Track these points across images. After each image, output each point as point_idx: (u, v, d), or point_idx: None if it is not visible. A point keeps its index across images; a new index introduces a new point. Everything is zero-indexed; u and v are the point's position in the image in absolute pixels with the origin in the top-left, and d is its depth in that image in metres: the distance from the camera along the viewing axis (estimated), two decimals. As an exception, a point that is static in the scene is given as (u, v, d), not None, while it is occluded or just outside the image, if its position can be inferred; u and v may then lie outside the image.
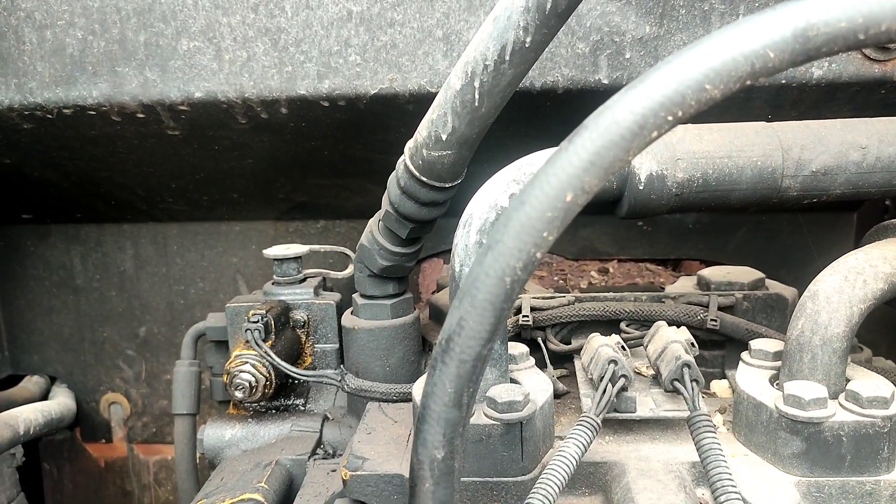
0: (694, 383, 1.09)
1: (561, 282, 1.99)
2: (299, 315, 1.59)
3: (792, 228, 1.95)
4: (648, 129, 0.70)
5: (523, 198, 0.73)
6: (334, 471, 1.34)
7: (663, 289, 1.61)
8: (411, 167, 1.22)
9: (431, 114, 1.16)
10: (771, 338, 1.28)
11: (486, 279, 0.74)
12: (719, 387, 1.35)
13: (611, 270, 2.02)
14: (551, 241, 0.73)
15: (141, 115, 1.51)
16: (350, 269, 1.69)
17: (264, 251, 1.64)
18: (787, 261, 1.95)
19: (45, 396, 2.22)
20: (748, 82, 0.69)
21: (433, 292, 2.03)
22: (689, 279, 1.61)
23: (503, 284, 0.74)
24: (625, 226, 1.97)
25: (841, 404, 1.03)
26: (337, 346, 1.60)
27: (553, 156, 0.72)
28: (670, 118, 0.70)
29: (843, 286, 1.08)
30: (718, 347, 1.40)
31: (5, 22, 1.45)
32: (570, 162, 0.71)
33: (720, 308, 1.37)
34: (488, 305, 0.75)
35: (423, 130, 1.18)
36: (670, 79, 0.69)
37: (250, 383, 1.41)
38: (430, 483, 0.83)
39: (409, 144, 1.22)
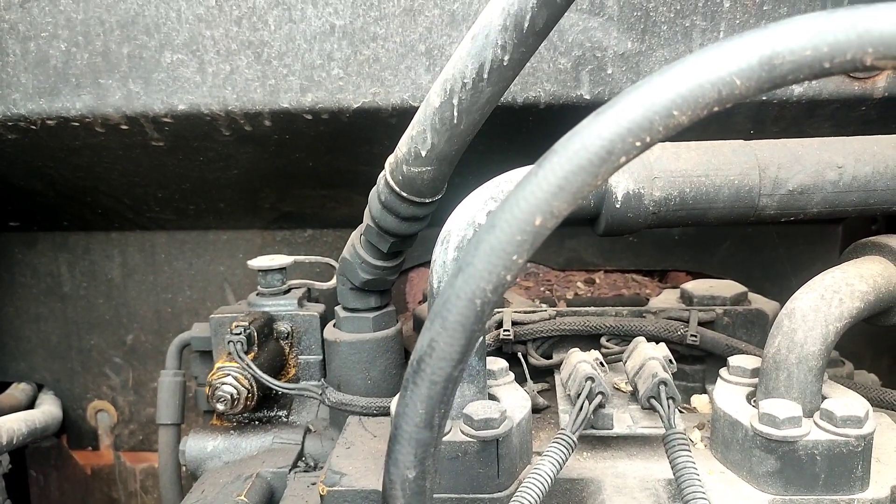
0: (670, 401, 1.09)
1: (547, 292, 2.00)
2: (283, 326, 1.59)
3: (777, 241, 1.95)
4: (617, 154, 0.70)
5: (494, 221, 0.73)
6: (315, 484, 1.34)
7: (648, 300, 1.61)
8: (391, 182, 1.22)
9: (411, 130, 1.16)
10: (750, 354, 1.28)
11: (456, 301, 0.75)
12: (700, 402, 1.35)
13: (597, 281, 2.02)
14: (521, 263, 0.73)
15: (125, 127, 1.51)
16: (335, 281, 1.69)
17: (249, 262, 1.64)
18: (771, 273, 1.96)
19: (31, 404, 2.22)
20: (715, 108, 0.70)
21: (419, 302, 2.04)
22: (672, 292, 1.61)
23: (474, 307, 0.74)
24: (611, 237, 1.97)
25: (816, 423, 1.03)
26: (321, 357, 1.60)
27: (523, 180, 0.73)
28: (638, 143, 0.70)
29: (820, 304, 1.08)
30: (699, 362, 1.41)
31: (-12, 33, 1.45)
32: (539, 186, 0.72)
33: (701, 323, 1.38)
34: (459, 327, 0.75)
35: (402, 146, 1.18)
36: (638, 105, 0.70)
37: (232, 396, 1.42)
38: (401, 502, 0.84)
39: (390, 160, 1.23)
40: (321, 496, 1.11)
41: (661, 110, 0.69)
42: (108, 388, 2.28)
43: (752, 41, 0.68)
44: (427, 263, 2.04)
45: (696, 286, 1.52)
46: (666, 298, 1.57)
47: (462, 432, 1.06)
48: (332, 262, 1.69)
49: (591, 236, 1.98)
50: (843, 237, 1.94)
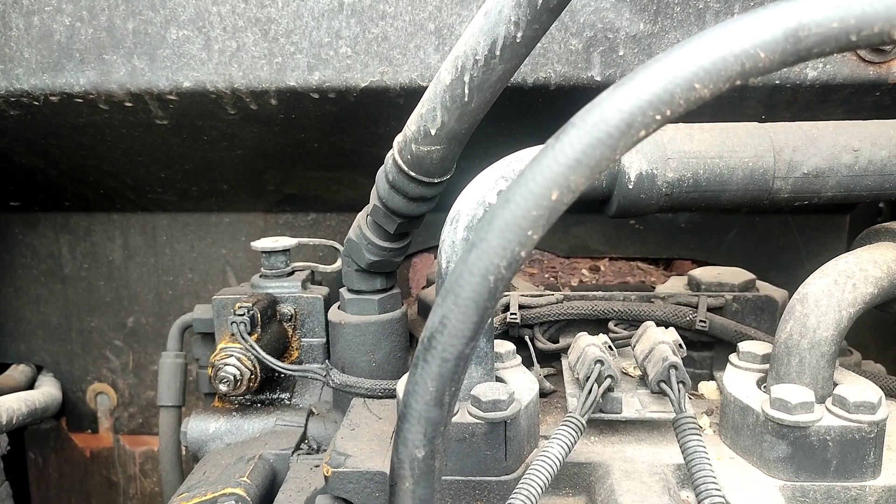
0: (680, 385, 1.08)
1: (552, 279, 1.98)
2: (286, 308, 1.58)
3: (784, 230, 1.94)
4: (636, 127, 0.69)
5: (508, 196, 0.72)
6: (318, 466, 1.33)
7: (654, 288, 1.60)
8: (400, 162, 1.20)
9: (421, 108, 1.15)
10: (759, 340, 1.27)
11: (469, 277, 0.73)
12: (707, 388, 1.34)
13: (602, 268, 2.01)
14: (536, 239, 0.72)
15: (129, 104, 1.49)
16: (339, 263, 1.67)
17: (252, 243, 1.62)
18: (778, 262, 1.94)
19: (31, 385, 2.20)
20: (738, 82, 0.68)
21: (423, 287, 2.02)
22: (679, 279, 1.59)
23: (487, 283, 0.73)
24: (616, 224, 1.96)
25: (828, 409, 1.02)
26: (324, 340, 1.59)
27: (539, 153, 0.71)
28: (658, 117, 0.68)
29: (833, 290, 1.07)
30: (707, 348, 1.39)
31: (-8, 7, 1.43)
32: (556, 160, 0.70)
33: (710, 309, 1.36)
34: (472, 304, 0.74)
35: (412, 125, 1.17)
36: (659, 77, 0.68)
37: (235, 377, 1.40)
38: (409, 482, 0.82)
39: (398, 139, 1.21)
40: (326, 477, 1.10)
41: (683, 83, 0.68)
42: (108, 370, 2.26)
43: (778, 13, 0.66)
44: (431, 249, 2.03)
45: (704, 273, 1.50)
46: (673, 285, 1.55)
47: (470, 414, 1.05)
48: (337, 245, 1.68)
49: (597, 223, 1.97)
50: (851, 227, 1.93)
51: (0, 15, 1.43)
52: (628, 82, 0.69)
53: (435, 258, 2.09)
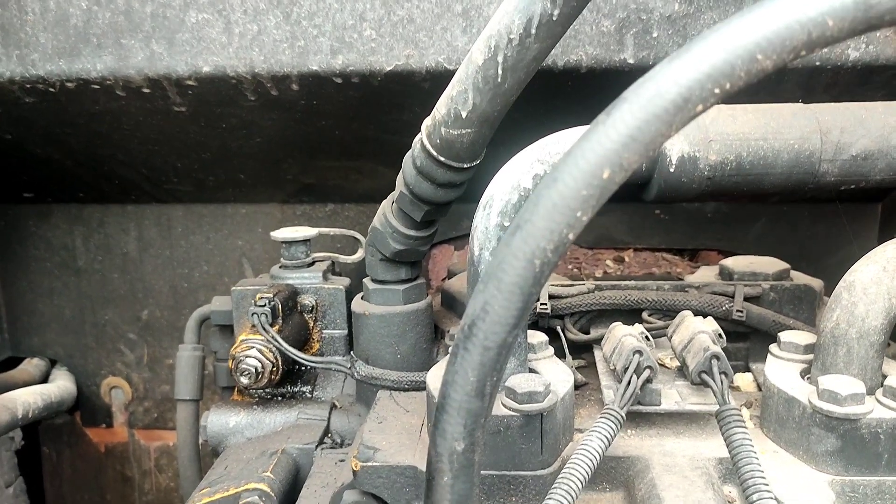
0: (723, 376, 1.04)
1: (575, 270, 1.94)
2: (307, 300, 1.54)
3: (813, 219, 1.89)
4: (694, 102, 0.65)
5: (556, 175, 0.68)
6: (342, 461, 1.29)
7: (681, 279, 1.56)
8: (428, 146, 1.16)
9: (451, 90, 1.11)
10: (800, 330, 1.23)
11: (513, 261, 0.70)
12: (743, 380, 1.30)
13: (626, 259, 1.97)
14: (585, 220, 0.68)
15: (146, 90, 1.46)
16: (360, 254, 1.64)
17: (272, 233, 1.59)
18: (807, 252, 1.90)
19: (45, 379, 2.18)
20: (803, 52, 0.64)
21: (443, 279, 1.99)
22: (710, 269, 1.55)
23: (532, 267, 0.69)
24: (642, 214, 1.92)
25: (878, 400, 0.98)
26: (345, 332, 1.55)
27: (589, 130, 0.67)
28: (718, 91, 0.65)
29: (882, 277, 1.02)
30: (742, 339, 1.36)
31: (7, -10, 1.40)
32: (608, 136, 0.67)
33: (746, 298, 1.32)
34: (515, 289, 0.70)
35: (441, 107, 1.13)
36: (719, 48, 0.64)
37: (256, 369, 1.37)
38: (448, 476, 0.79)
39: (427, 122, 1.17)
40: (354, 472, 1.06)
41: (745, 54, 0.64)
42: (122, 364, 2.24)
43: (848, -22, 0.62)
44: (451, 240, 2.00)
45: (737, 262, 1.46)
46: (704, 275, 1.51)
47: (504, 406, 1.01)
48: (357, 235, 1.64)
49: (622, 213, 1.93)
50: (883, 216, 1.88)
51: (16, -1, 1.40)
52: (685, 54, 0.65)
53: (455, 249, 2.05)
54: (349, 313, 1.54)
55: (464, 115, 1.10)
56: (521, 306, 0.71)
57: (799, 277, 1.44)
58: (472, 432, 0.77)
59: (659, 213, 1.93)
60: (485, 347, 0.73)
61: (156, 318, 2.18)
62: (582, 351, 1.38)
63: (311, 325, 1.55)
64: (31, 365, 2.18)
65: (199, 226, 2.08)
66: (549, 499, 0.89)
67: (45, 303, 2.20)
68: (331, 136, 1.61)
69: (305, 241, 1.59)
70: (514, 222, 0.69)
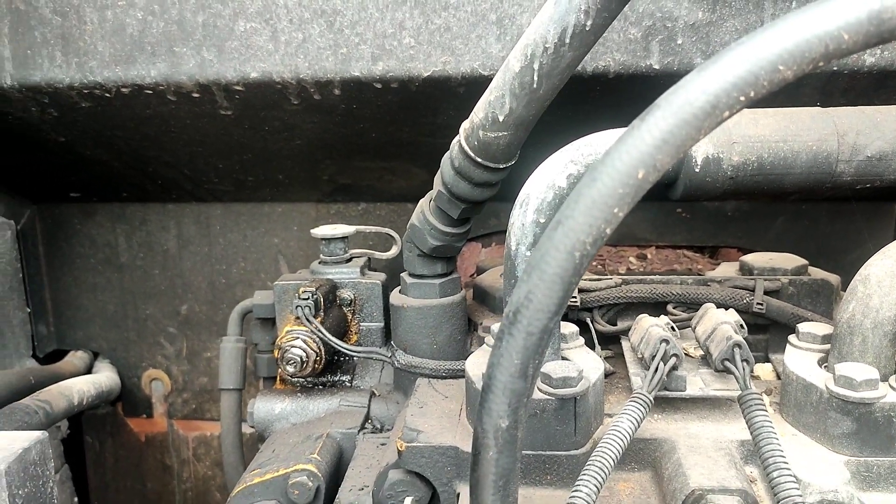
0: (744, 363, 1.11)
1: (599, 267, 2.01)
2: (346, 293, 1.62)
3: (831, 217, 1.95)
4: (721, 108, 0.72)
5: (595, 174, 0.75)
6: (383, 444, 1.37)
7: (703, 275, 1.62)
8: (466, 148, 1.24)
9: (489, 95, 1.18)
10: (818, 322, 1.29)
11: (555, 254, 0.76)
12: (763, 370, 1.37)
13: (649, 256, 2.03)
14: (621, 216, 0.75)
15: (196, 95, 1.54)
16: (394, 250, 1.72)
17: (312, 231, 1.67)
18: (825, 250, 1.95)
19: (88, 371, 2.27)
20: (821, 63, 0.71)
21: (471, 275, 2.06)
22: (730, 265, 1.62)
23: (572, 259, 0.76)
24: (664, 212, 1.98)
25: (892, 386, 1.04)
26: (382, 324, 1.63)
27: (625, 133, 0.74)
28: (743, 98, 0.71)
29: (896, 270, 1.09)
30: (762, 331, 1.42)
31: (68, 2, 1.48)
32: (642, 140, 0.73)
33: (766, 292, 1.39)
34: (557, 279, 0.77)
35: (479, 112, 1.20)
36: (744, 59, 0.71)
37: (302, 358, 1.45)
38: (493, 451, 0.85)
39: (465, 125, 1.24)
40: (399, 452, 1.14)
41: (767, 65, 0.70)
42: (162, 357, 2.33)
43: (862, -5, 0.69)
44: (479, 237, 2.07)
45: (757, 258, 1.53)
46: (725, 271, 1.58)
47: (540, 390, 1.08)
48: (392, 233, 1.72)
49: (645, 211, 1.99)
50: (899, 215, 1.94)
51: (75, 9, 1.48)
52: (712, 65, 0.72)
53: (483, 247, 2.13)
54: (385, 307, 1.62)
55: (501, 118, 1.17)
56: (561, 295, 0.78)
57: (817, 273, 1.50)
58: (515, 410, 0.84)
59: (680, 211, 2.00)
60: (528, 333, 0.79)
61: (194, 313, 2.27)
62: (609, 342, 1.45)
63: (350, 317, 1.63)
64: (76, 357, 2.27)
65: (237, 224, 2.17)
66: (583, 477, 0.95)
67: (89, 298, 2.29)
68: (367, 139, 1.69)
69: (344, 238, 1.67)
70: (556, 217, 0.76)
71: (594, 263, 2.02)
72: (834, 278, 1.46)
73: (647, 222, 2.01)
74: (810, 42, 0.69)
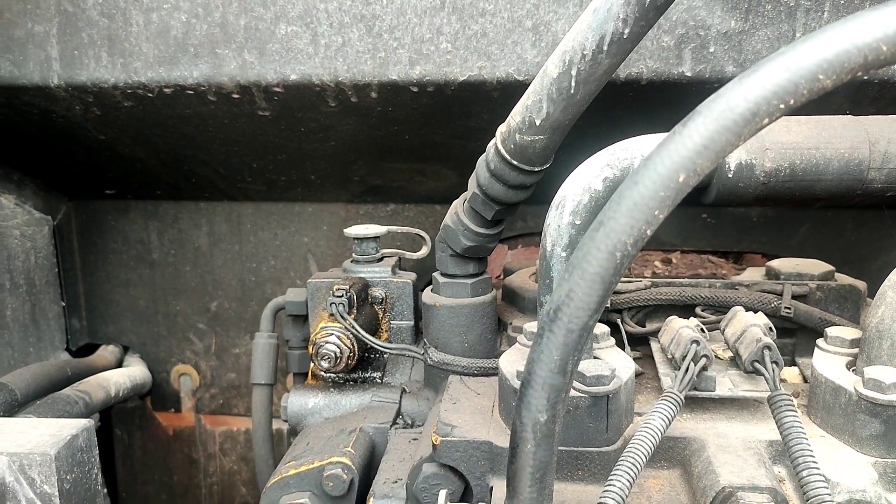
0: (774, 365, 1.13)
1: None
2: (377, 292, 1.65)
3: (856, 224, 1.96)
4: (761, 116, 0.74)
5: (637, 178, 0.77)
6: (415, 439, 1.40)
7: (729, 279, 1.65)
8: (503, 150, 1.27)
9: (526, 100, 1.21)
10: (845, 326, 1.31)
11: (597, 253, 0.79)
12: (790, 373, 1.39)
13: (674, 261, 2.06)
14: (661, 219, 0.78)
15: (236, 96, 1.58)
16: (424, 251, 1.75)
17: (345, 230, 1.70)
18: (850, 257, 1.97)
19: (119, 365, 2.32)
20: (860, 73, 0.73)
21: (497, 277, 2.09)
22: (756, 270, 1.64)
23: (613, 259, 0.79)
24: (689, 217, 2.01)
25: (920, 390, 1.07)
26: (412, 323, 1.66)
27: (666, 138, 0.77)
28: (783, 106, 0.74)
29: (925, 276, 1.11)
30: (789, 335, 1.44)
31: (114, 4, 1.53)
32: (684, 145, 0.76)
33: (793, 297, 1.41)
34: (598, 278, 0.80)
35: (516, 116, 1.23)
36: (784, 68, 0.74)
37: (335, 354, 1.48)
38: (531, 444, 0.88)
39: (501, 129, 1.27)
40: (434, 446, 1.17)
41: (808, 74, 0.73)
42: (191, 352, 2.37)
43: (901, 9, 0.71)
44: (504, 240, 2.09)
45: (783, 264, 1.55)
46: (751, 276, 1.60)
47: (574, 388, 1.11)
48: (422, 233, 1.75)
49: (670, 216, 1.98)
50: (925, 223, 1.95)
51: (122, 12, 1.53)
52: (754, 73, 0.75)
53: (509, 249, 2.16)
54: (416, 305, 1.65)
55: (537, 122, 1.20)
56: (601, 294, 0.80)
57: (844, 279, 1.52)
58: (554, 405, 0.86)
59: (706, 216, 2.02)
60: (568, 330, 0.82)
61: (224, 310, 2.31)
62: (637, 343, 1.47)
63: (381, 315, 1.66)
64: (108, 351, 2.32)
65: (268, 223, 2.21)
66: (615, 473, 0.98)
67: (121, 293, 2.34)
68: (401, 140, 1.73)
69: (376, 238, 1.71)
70: (598, 218, 0.79)
71: (620, 267, 2.04)
72: (861, 284, 1.48)
73: (673, 227, 2.03)
74: (850, 52, 0.72)
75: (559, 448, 1.11)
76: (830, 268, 1.52)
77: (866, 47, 0.72)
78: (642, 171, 0.78)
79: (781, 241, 2.00)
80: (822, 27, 0.73)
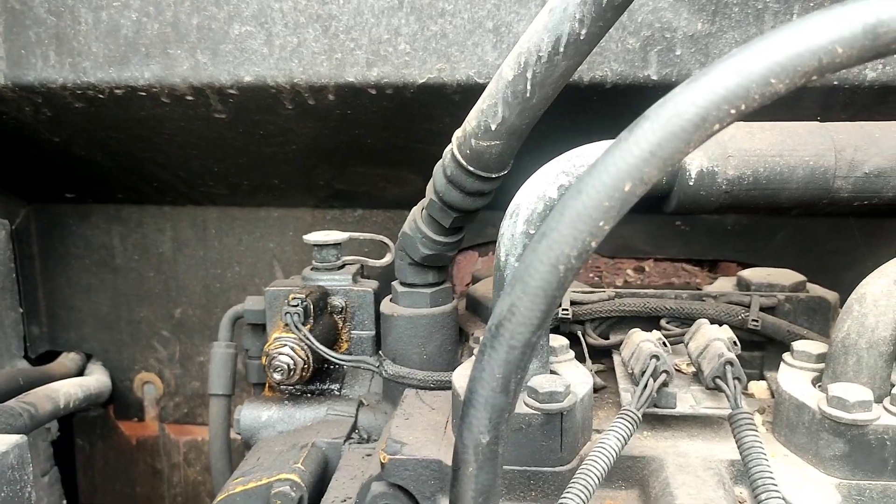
0: (736, 381, 1.09)
1: (596, 279, 1.99)
2: (337, 301, 1.60)
3: (832, 234, 1.93)
4: (711, 121, 0.70)
5: (581, 186, 0.73)
6: (369, 455, 1.35)
7: (700, 289, 1.60)
8: (458, 156, 1.22)
9: (482, 103, 1.16)
10: (813, 340, 1.27)
11: (539, 266, 0.75)
12: (757, 388, 1.35)
13: (647, 269, 2.02)
14: (607, 230, 0.74)
15: (190, 98, 1.53)
16: (388, 258, 1.70)
17: (305, 237, 1.65)
18: (825, 266, 1.93)
19: (80, 373, 2.26)
20: (814, 77, 0.69)
21: (467, 284, 2.04)
22: (727, 280, 1.60)
23: (556, 272, 0.74)
24: (662, 225, 1.96)
25: (885, 408, 1.02)
26: (373, 333, 1.61)
27: (612, 145, 0.72)
28: (733, 111, 0.70)
29: (892, 290, 1.07)
30: (757, 348, 1.40)
31: (62, 2, 1.48)
32: (630, 152, 0.72)
33: (761, 309, 1.37)
34: (540, 292, 0.75)
35: (472, 120, 1.19)
36: (735, 71, 0.69)
37: (289, 366, 1.43)
38: (473, 467, 0.84)
39: (458, 134, 1.23)
40: (382, 464, 1.12)
41: (759, 78, 0.69)
42: (155, 360, 2.31)
43: (857, 9, 0.67)
44: (475, 246, 2.05)
45: (754, 274, 1.51)
46: (721, 286, 1.56)
47: (526, 404, 1.06)
48: (386, 240, 1.70)
49: (643, 223, 1.97)
50: (903, 232, 1.91)
51: (70, 10, 1.47)
52: (703, 77, 0.70)
53: (479, 255, 2.11)
54: (377, 315, 1.60)
55: (493, 127, 1.16)
56: (545, 308, 0.76)
57: (815, 290, 1.48)
58: (496, 426, 0.82)
59: (679, 224, 1.98)
60: (511, 346, 0.78)
61: (188, 317, 2.25)
62: (602, 356, 1.42)
63: (341, 325, 1.61)
64: (68, 359, 2.26)
65: (233, 228, 2.15)
66: (567, 494, 0.94)
67: (83, 299, 2.28)
68: (363, 144, 1.68)
69: (336, 245, 1.66)
70: (541, 230, 0.75)
71: (591, 275, 2.00)
72: (832, 295, 1.44)
73: (646, 234, 1.99)
74: (803, 56, 0.68)
75: (511, 468, 1.07)
76: (802, 278, 1.48)
77: (821, 50, 0.68)
78: (587, 179, 0.73)
79: (756, 249, 1.96)
80: (776, 28, 0.69)
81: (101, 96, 1.55)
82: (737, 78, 0.69)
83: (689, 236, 1.98)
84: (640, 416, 1.04)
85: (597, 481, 0.95)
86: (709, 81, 0.70)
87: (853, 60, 0.68)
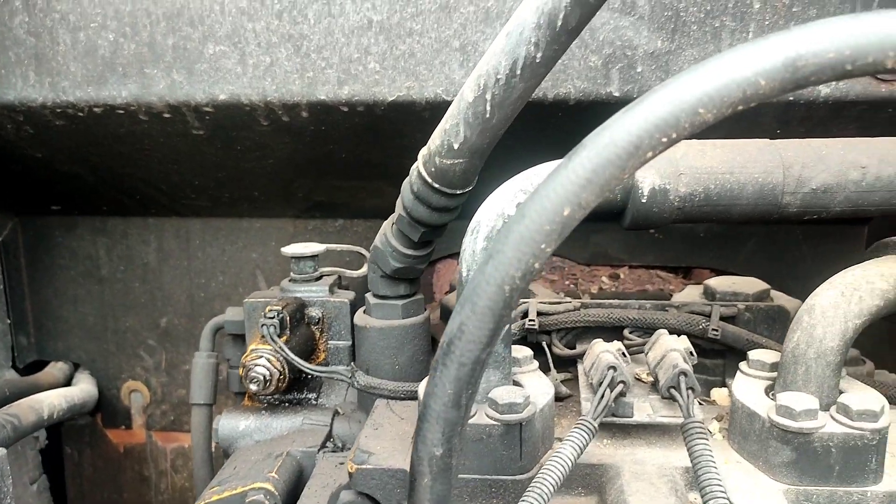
0: (689, 391, 1.12)
1: (572, 286, 2.03)
2: (314, 312, 1.64)
3: (803, 239, 1.96)
4: (644, 149, 0.74)
5: (524, 211, 0.77)
6: (343, 464, 1.38)
7: (671, 296, 1.64)
8: (424, 174, 1.26)
9: (445, 123, 1.20)
10: (770, 349, 1.31)
11: (486, 287, 0.78)
12: (719, 395, 1.38)
13: (621, 276, 2.05)
14: (549, 252, 0.77)
15: (167, 115, 1.57)
16: (365, 269, 1.73)
17: (283, 249, 1.69)
18: (796, 272, 1.97)
19: (68, 382, 2.28)
20: (740, 107, 0.73)
21: (446, 293, 2.08)
22: (695, 288, 1.63)
23: (503, 292, 0.78)
24: (637, 233, 2.00)
25: (832, 416, 1.06)
26: (350, 342, 1.64)
27: (553, 172, 0.76)
28: (665, 139, 0.73)
29: (840, 301, 1.10)
30: (720, 356, 1.44)
31: (41, 23, 1.51)
32: (568, 178, 0.75)
33: (722, 318, 1.40)
34: (488, 312, 0.79)
35: (436, 139, 1.22)
36: (666, 102, 0.73)
37: (265, 377, 1.46)
38: (428, 478, 0.87)
39: (423, 152, 1.26)
40: (350, 474, 1.16)
41: (688, 108, 0.72)
42: (141, 369, 2.34)
43: (777, 43, 0.70)
44: (454, 255, 2.08)
45: (720, 282, 1.54)
46: (689, 294, 1.59)
47: (487, 416, 1.10)
48: (363, 251, 1.74)
49: (617, 232, 2.01)
50: (869, 238, 1.95)
51: (48, 31, 1.51)
52: (636, 106, 0.74)
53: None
54: (353, 325, 1.63)
55: (456, 146, 1.19)
56: (492, 327, 0.80)
57: (779, 297, 1.52)
58: (449, 439, 0.85)
59: (654, 232, 2.01)
60: (461, 363, 0.81)
61: (174, 326, 2.29)
62: (569, 365, 1.46)
63: (318, 336, 1.65)
64: (56, 368, 2.29)
65: (216, 238, 2.19)
66: (523, 501, 0.97)
67: (70, 309, 2.31)
68: (338, 159, 1.71)
69: (314, 257, 1.69)
70: (488, 252, 0.78)
71: (566, 283, 2.04)
72: (793, 304, 1.47)
73: (620, 242, 2.02)
74: (729, 87, 0.71)
75: (473, 476, 1.11)
76: (766, 286, 1.52)
77: (745, 82, 0.72)
78: (529, 204, 0.77)
79: (729, 256, 2.00)
80: (703, 60, 0.73)
81: (80, 114, 1.58)
82: (668, 107, 0.73)
83: (663, 244, 2.02)
84: (596, 425, 1.08)
85: (552, 489, 0.98)
86: (642, 111, 0.74)
87: (776, 91, 0.72)
